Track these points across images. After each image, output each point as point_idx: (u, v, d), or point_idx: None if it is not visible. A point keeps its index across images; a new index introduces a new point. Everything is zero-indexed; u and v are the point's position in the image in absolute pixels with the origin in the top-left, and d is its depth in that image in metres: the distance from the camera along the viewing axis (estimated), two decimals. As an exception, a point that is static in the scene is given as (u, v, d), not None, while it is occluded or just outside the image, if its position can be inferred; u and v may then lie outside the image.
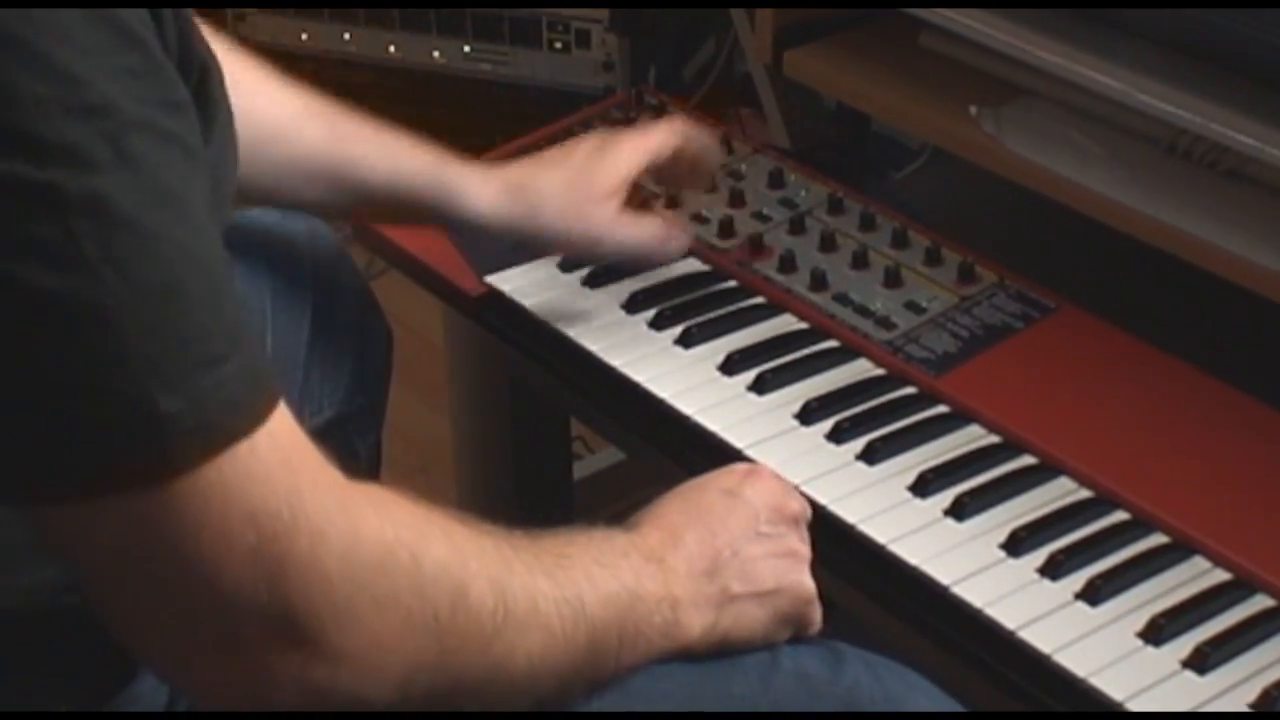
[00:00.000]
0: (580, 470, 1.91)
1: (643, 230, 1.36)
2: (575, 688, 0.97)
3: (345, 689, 0.85)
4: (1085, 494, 1.21)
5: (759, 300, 1.41)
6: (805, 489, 1.19)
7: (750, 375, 1.32)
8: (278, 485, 0.82)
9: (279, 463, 0.82)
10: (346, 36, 2.34)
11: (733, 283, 1.43)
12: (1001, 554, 1.16)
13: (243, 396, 0.80)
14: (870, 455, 1.24)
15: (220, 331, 0.79)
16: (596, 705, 1.01)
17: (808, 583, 1.07)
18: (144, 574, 0.81)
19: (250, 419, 0.80)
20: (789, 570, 1.06)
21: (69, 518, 0.80)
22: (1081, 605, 1.12)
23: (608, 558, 0.99)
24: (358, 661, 0.85)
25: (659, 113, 1.62)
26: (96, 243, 0.75)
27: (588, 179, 1.34)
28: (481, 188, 1.33)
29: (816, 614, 1.08)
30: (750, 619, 1.05)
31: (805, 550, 1.08)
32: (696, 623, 1.02)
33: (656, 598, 1.00)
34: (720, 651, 1.03)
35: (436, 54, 2.31)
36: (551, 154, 1.37)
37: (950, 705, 1.08)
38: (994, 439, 1.26)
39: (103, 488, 0.78)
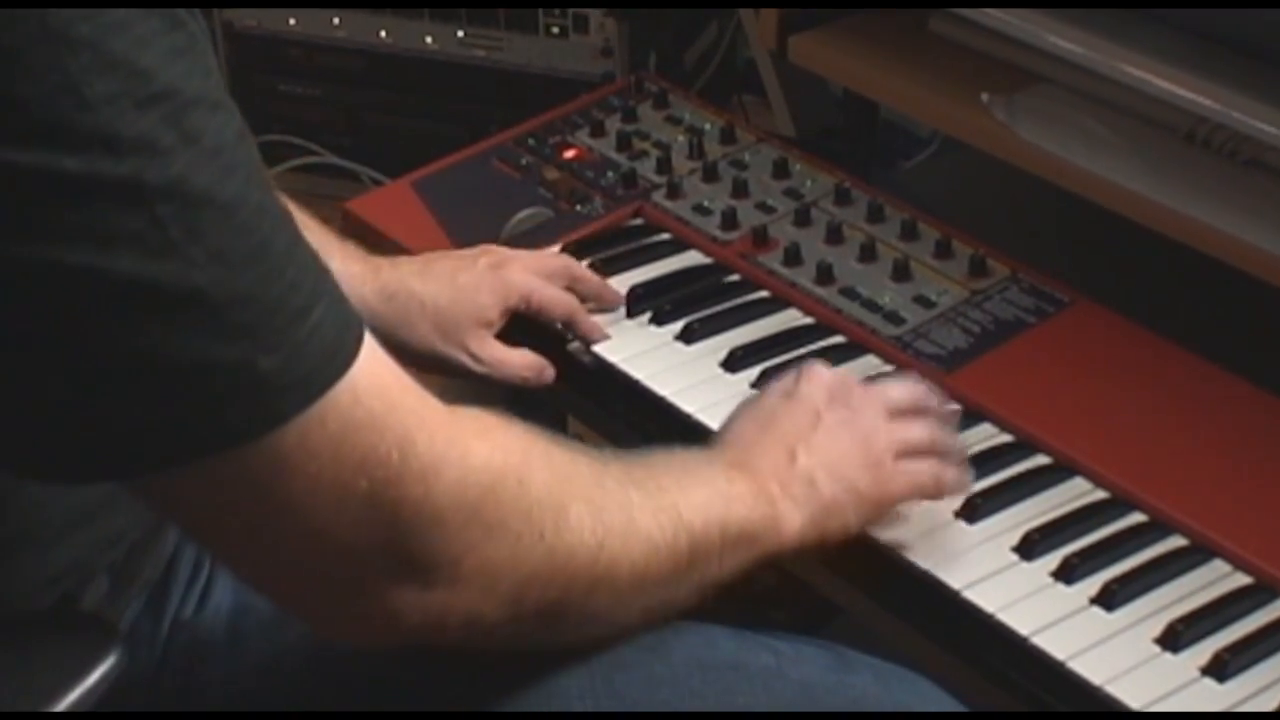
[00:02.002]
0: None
1: (517, 359, 1.33)
2: (680, 593, 1.02)
3: (462, 611, 0.91)
4: (1101, 495, 1.20)
5: (763, 294, 1.40)
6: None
7: (754, 372, 1.30)
8: (385, 431, 0.85)
9: (383, 408, 0.85)
10: (335, 21, 2.31)
11: (736, 276, 1.42)
12: (1014, 557, 1.15)
13: (334, 340, 0.83)
14: (878, 455, 1.22)
15: (304, 279, 0.83)
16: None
17: (886, 460, 1.12)
18: (266, 529, 0.86)
19: (344, 360, 0.84)
20: (865, 449, 1.11)
21: (186, 484, 0.83)
22: (1097, 610, 1.11)
23: (694, 468, 1.05)
24: (472, 584, 0.90)
25: (660, 101, 1.60)
26: (182, 225, 0.78)
27: (471, 301, 1.32)
28: (355, 286, 1.28)
29: (909, 481, 1.12)
30: (840, 507, 1.09)
31: (877, 425, 1.13)
32: (796, 516, 1.07)
33: (752, 494, 1.05)
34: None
35: (429, 39, 2.29)
36: (444, 262, 1.35)
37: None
38: (1006, 438, 1.25)
39: (213, 451, 0.81)
